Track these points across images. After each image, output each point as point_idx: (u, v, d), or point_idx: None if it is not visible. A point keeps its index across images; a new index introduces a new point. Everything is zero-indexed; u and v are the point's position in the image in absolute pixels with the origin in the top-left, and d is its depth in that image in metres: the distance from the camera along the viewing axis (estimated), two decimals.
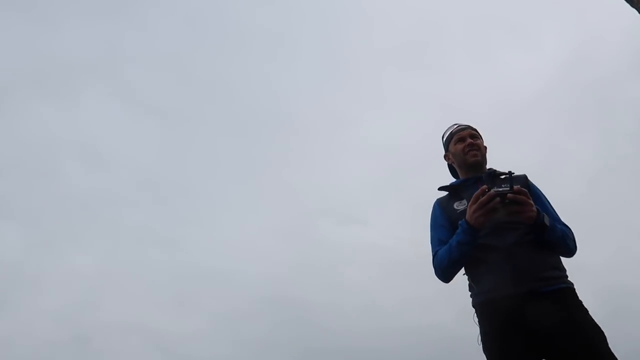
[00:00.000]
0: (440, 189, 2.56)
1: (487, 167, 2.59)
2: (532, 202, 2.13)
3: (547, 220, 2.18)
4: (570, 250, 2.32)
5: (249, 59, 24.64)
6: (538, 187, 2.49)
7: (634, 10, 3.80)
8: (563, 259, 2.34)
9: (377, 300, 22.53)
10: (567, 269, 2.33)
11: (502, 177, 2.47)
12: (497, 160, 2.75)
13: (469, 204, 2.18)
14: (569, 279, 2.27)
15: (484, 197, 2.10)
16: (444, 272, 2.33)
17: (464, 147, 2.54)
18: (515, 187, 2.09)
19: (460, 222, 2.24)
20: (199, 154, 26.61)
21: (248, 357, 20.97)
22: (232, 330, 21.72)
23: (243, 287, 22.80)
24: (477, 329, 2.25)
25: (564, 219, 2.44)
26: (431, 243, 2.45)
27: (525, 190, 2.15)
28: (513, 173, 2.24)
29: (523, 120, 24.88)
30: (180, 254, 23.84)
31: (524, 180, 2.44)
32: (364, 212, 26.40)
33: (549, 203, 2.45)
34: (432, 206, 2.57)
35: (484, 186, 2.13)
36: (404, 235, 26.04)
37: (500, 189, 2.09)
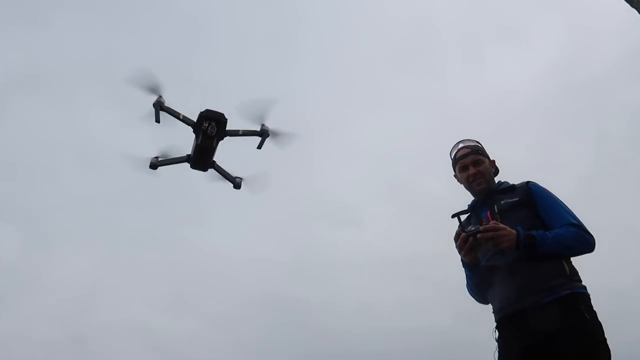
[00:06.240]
0: (454, 216, 2.49)
1: (498, 180, 2.66)
2: (505, 232, 2.23)
3: (533, 238, 2.25)
4: (577, 248, 2.32)
5: (245, 60, 24.61)
6: (544, 187, 2.52)
7: (634, 10, 3.78)
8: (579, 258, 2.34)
9: (374, 301, 22.55)
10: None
11: (502, 193, 2.55)
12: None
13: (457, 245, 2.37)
14: (578, 282, 2.29)
15: (459, 241, 2.30)
16: (475, 298, 2.58)
17: (467, 176, 2.60)
18: (484, 225, 2.27)
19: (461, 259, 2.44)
20: None
21: (245, 358, 20.98)
22: (230, 331, 21.73)
23: (241, 288, 22.78)
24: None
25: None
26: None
27: (495, 224, 2.27)
28: (482, 224, 2.33)
29: (518, 122, 24.87)
30: (178, 256, 23.79)
31: (524, 189, 2.51)
32: (360, 214, 26.35)
33: (556, 201, 2.46)
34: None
35: (458, 229, 2.34)
36: (401, 237, 26.08)
37: (472, 229, 2.27)
